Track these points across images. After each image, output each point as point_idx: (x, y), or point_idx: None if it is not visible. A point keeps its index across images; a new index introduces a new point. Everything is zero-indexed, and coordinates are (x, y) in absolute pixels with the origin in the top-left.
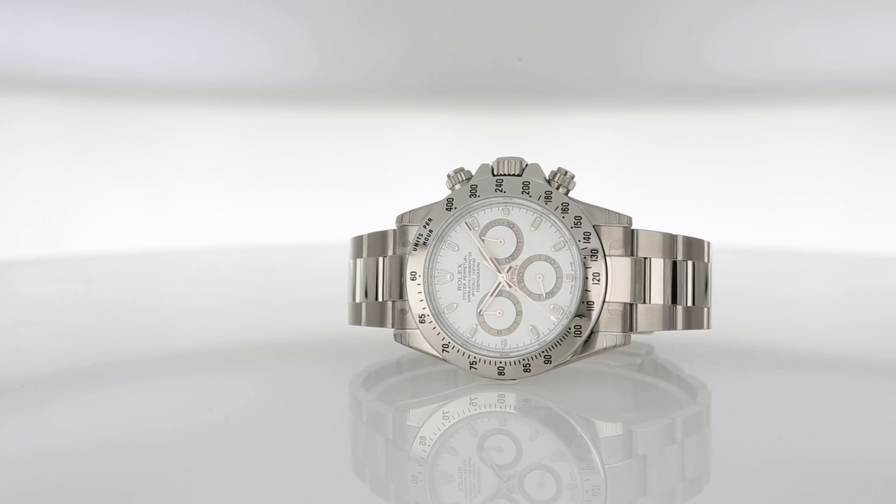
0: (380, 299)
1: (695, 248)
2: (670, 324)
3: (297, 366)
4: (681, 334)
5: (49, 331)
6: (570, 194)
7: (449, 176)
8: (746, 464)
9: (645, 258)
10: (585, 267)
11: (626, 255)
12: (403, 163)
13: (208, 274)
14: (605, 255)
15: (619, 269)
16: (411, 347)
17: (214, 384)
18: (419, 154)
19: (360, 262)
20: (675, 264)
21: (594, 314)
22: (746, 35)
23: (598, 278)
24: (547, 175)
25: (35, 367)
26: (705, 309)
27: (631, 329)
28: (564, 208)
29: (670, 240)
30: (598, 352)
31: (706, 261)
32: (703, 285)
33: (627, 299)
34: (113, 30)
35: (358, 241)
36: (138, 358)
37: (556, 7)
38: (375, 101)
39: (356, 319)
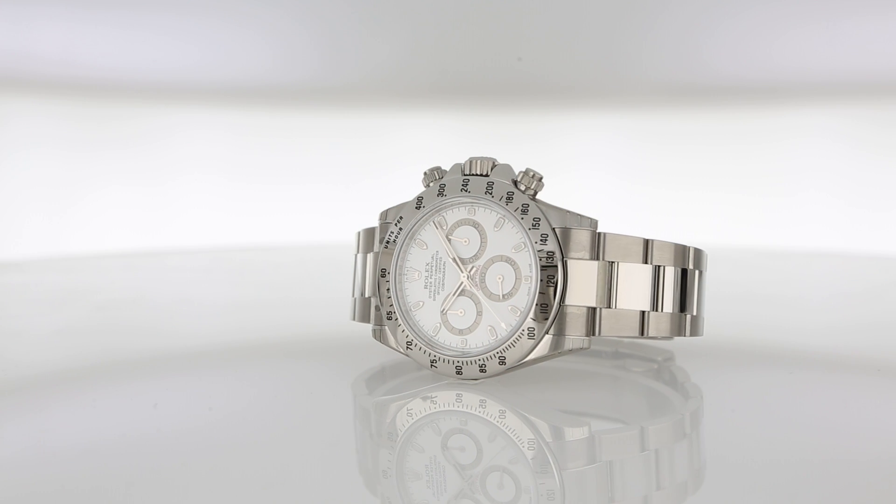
0: (366, 295)
1: (674, 253)
2: (641, 330)
3: (298, 365)
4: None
5: (49, 328)
6: (541, 196)
7: (425, 174)
8: (729, 473)
9: (612, 262)
10: (540, 269)
11: (592, 258)
12: (403, 163)
13: (208, 273)
14: (563, 257)
15: (582, 272)
16: (383, 344)
17: (214, 384)
18: (419, 154)
19: (358, 257)
20: (656, 269)
21: (549, 317)
22: (746, 35)
23: (551, 281)
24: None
25: (34, 368)
26: (689, 316)
27: (594, 333)
28: (524, 209)
29: (643, 244)
30: (554, 355)
31: (691, 267)
32: (689, 292)
33: (591, 303)
34: (113, 30)
35: (357, 236)
36: (138, 358)
37: (556, 7)
38: (375, 101)
39: (352, 314)
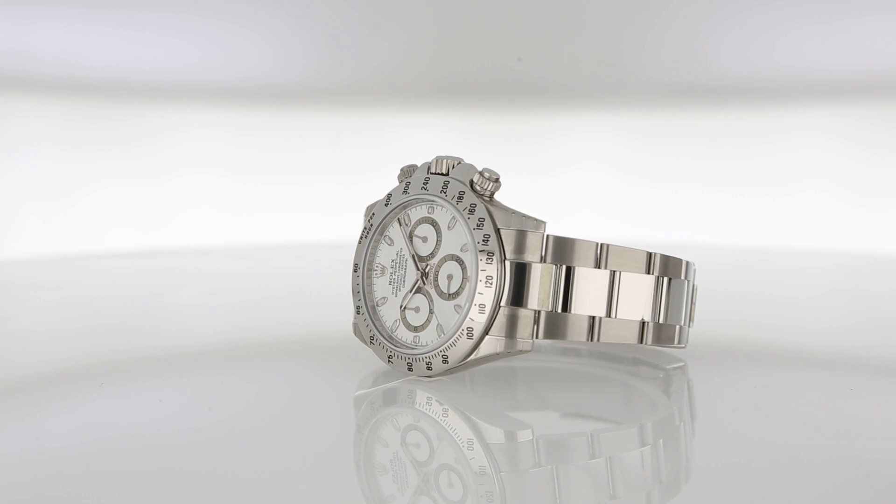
0: None
1: (633, 258)
2: (589, 335)
3: (297, 365)
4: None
5: (49, 327)
6: (512, 196)
7: (401, 170)
8: (707, 483)
9: (564, 266)
10: (480, 270)
11: (540, 261)
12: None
13: (208, 273)
14: (503, 258)
15: (529, 275)
16: (357, 338)
17: (214, 383)
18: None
19: None
20: (612, 274)
21: (485, 317)
22: (746, 35)
23: (490, 281)
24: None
25: (34, 368)
26: (651, 324)
27: (539, 335)
28: (472, 209)
29: (596, 248)
30: (493, 356)
31: (657, 273)
32: (655, 299)
33: (536, 306)
34: (113, 30)
35: None
36: (138, 357)
37: (556, 7)
38: (375, 101)
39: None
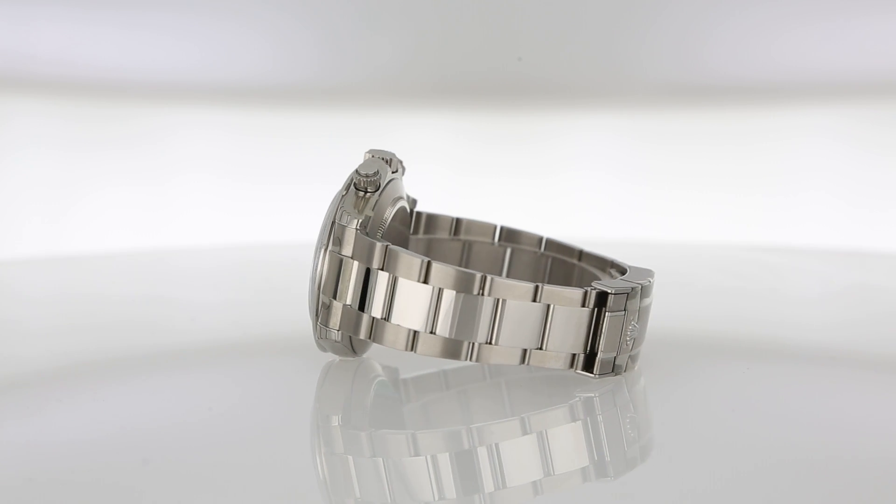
0: None
1: (362, 249)
2: (349, 328)
3: (297, 364)
4: (681, 331)
5: (49, 327)
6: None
7: None
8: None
9: (344, 258)
10: (315, 257)
11: (336, 253)
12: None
13: (208, 273)
14: (326, 249)
15: (329, 265)
16: None
17: (214, 382)
18: (419, 154)
19: None
20: (390, 278)
21: (317, 304)
22: (746, 35)
23: (315, 270)
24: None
25: (35, 367)
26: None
27: (328, 325)
28: (339, 202)
29: (368, 246)
30: (328, 342)
31: (432, 284)
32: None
33: (329, 295)
34: (113, 30)
35: None
36: (137, 357)
37: (556, 7)
38: (376, 100)
39: None
